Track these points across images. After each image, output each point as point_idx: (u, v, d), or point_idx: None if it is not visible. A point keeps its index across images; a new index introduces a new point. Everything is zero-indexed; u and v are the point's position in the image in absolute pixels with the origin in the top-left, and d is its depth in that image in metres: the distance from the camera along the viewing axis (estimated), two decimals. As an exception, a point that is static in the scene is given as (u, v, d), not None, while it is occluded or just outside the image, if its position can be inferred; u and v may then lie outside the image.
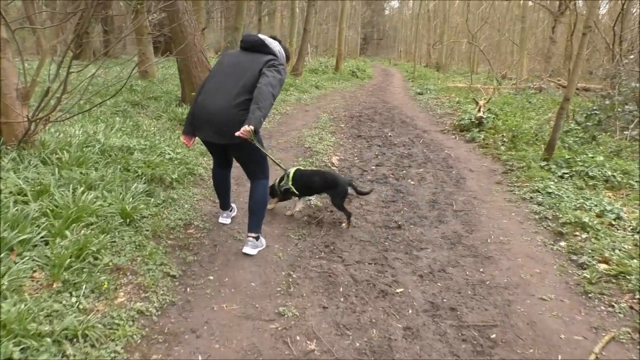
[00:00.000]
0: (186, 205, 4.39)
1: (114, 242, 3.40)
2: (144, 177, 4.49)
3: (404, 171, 6.34)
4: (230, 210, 4.33)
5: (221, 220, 4.24)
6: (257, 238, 3.74)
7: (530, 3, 22.04)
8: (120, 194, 3.96)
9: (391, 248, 4.03)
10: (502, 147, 7.35)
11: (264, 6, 19.70)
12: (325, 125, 9.24)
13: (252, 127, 3.14)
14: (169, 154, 5.39)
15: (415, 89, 17.66)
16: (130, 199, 3.89)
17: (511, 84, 16.36)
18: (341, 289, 3.33)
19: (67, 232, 3.16)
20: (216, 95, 3.43)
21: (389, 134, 8.66)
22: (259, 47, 3.56)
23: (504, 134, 8.00)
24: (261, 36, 3.62)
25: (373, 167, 6.52)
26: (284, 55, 3.70)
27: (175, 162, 5.21)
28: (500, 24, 19.06)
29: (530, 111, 10.06)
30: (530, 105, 10.92)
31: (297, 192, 4.46)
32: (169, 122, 7.65)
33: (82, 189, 3.73)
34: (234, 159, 3.87)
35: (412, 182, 5.88)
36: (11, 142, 4.66)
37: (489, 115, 9.02)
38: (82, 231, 3.25)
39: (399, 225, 4.51)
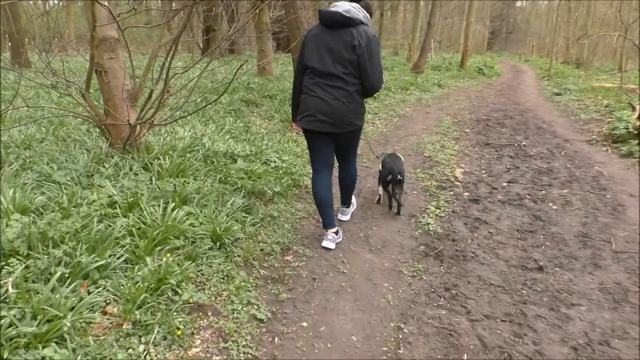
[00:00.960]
0: (286, 225, 3.89)
1: (200, 270, 2.97)
2: (244, 190, 4.06)
3: (543, 191, 5.31)
4: (337, 233, 3.79)
5: (325, 244, 3.69)
6: (349, 206, 4.24)
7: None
8: (215, 210, 3.56)
9: (531, 300, 3.17)
10: (671, 166, 5.95)
11: (387, 1, 18.96)
12: (448, 129, 8.34)
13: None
14: (274, 161, 4.95)
15: (551, 88, 15.82)
16: (225, 218, 3.46)
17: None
18: (465, 357, 2.58)
19: (148, 259, 2.79)
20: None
21: (523, 143, 7.52)
22: (343, 23, 3.31)
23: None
24: (342, 9, 3.29)
25: (504, 184, 5.56)
26: (369, 15, 3.46)
27: (281, 171, 4.76)
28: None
29: None
30: None
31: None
32: (280, 123, 7.29)
33: (173, 204, 3.37)
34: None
35: (554, 207, 4.86)
36: (118, 144, 4.53)
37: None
38: (165, 258, 2.86)
39: (540, 267, 3.60)
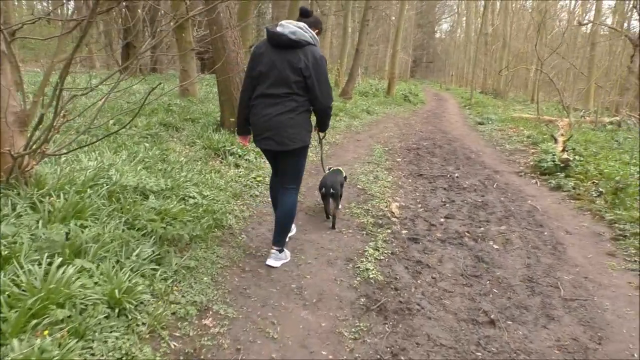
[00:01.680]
0: (205, 278, 3.29)
1: (90, 349, 2.32)
2: (154, 236, 3.42)
3: (481, 228, 5.07)
4: (281, 251, 3.79)
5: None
6: (280, 251, 3.80)
7: (601, 31, 20.37)
8: (116, 264, 2.91)
9: (487, 364, 2.80)
10: (600, 201, 5.96)
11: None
12: (380, 159, 8.08)
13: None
14: (193, 197, 4.34)
15: (474, 117, 16.27)
16: (128, 274, 2.82)
17: (582, 116, 14.74)
18: None
19: (15, 341, 2.10)
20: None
21: (456, 174, 7.39)
22: (290, 45, 3.34)
23: (598, 183, 6.60)
24: (288, 30, 3.31)
25: (442, 220, 5.28)
26: (316, 35, 3.48)
27: (201, 209, 4.15)
28: (568, 50, 17.52)
29: (621, 153, 8.57)
30: (618, 146, 9.41)
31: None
32: (203, 150, 6.66)
33: (60, 259, 2.68)
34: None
35: (495, 246, 4.61)
36: (1, 177, 3.74)
37: (575, 156, 7.63)
38: (41, 337, 2.19)
39: (491, 321, 3.26)
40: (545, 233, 5.01)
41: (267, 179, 5.91)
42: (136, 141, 6.50)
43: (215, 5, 7.47)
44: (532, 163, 8.26)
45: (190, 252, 3.52)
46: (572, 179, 6.82)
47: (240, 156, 6.49)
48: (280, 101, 3.39)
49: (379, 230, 4.77)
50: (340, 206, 5.15)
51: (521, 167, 8.17)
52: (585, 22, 16.61)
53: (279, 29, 3.35)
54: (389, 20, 34.67)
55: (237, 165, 6.22)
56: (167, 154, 5.96)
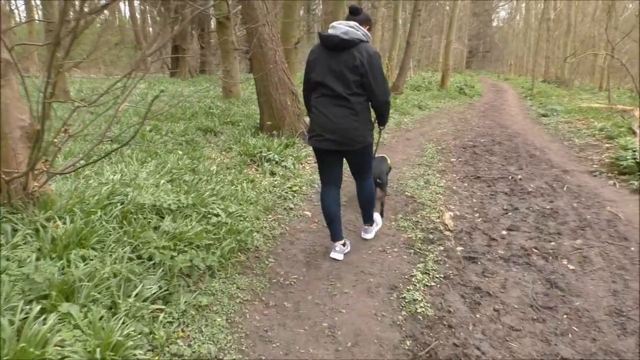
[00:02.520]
0: (219, 319, 2.78)
1: None
2: (163, 267, 2.95)
3: (552, 243, 4.32)
4: (344, 245, 3.93)
5: (333, 255, 3.85)
6: (371, 224, 4.25)
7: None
8: (110, 309, 2.45)
9: None
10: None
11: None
12: (431, 160, 7.37)
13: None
14: (217, 214, 3.87)
15: (536, 109, 15.09)
16: (122, 321, 2.36)
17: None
18: None
19: None
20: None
21: (519, 176, 6.57)
22: (343, 46, 3.38)
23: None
24: (340, 31, 3.36)
25: (504, 233, 4.57)
26: (368, 33, 3.51)
27: (223, 229, 3.67)
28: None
29: None
30: None
31: None
32: (239, 157, 6.22)
33: (38, 307, 2.26)
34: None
35: (570, 267, 3.87)
36: (11, 198, 3.42)
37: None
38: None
39: (574, 375, 2.58)
40: (632, 249, 4.19)
41: (304, 188, 5.40)
42: (169, 148, 6.16)
43: (252, 1, 7.04)
44: (607, 160, 7.29)
45: (205, 285, 3.03)
46: (659, 179, 5.88)
47: (277, 162, 6.00)
48: (342, 102, 3.42)
49: (429, 247, 4.13)
50: (387, 193, 5.13)
51: (595, 166, 7.22)
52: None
53: (330, 31, 3.40)
54: (443, 9, 33.39)
55: (272, 173, 5.73)
56: (198, 163, 5.56)
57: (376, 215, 4.37)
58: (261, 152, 6.16)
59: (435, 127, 10.78)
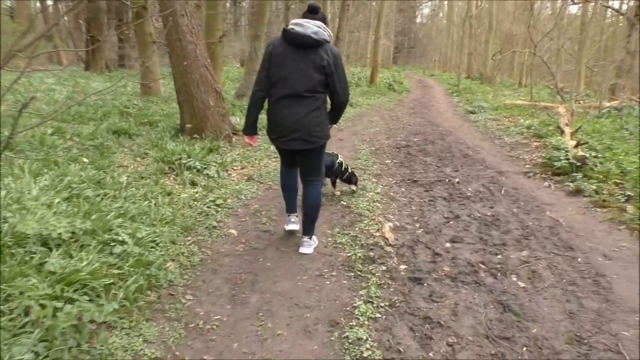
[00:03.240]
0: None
1: None
2: (39, 330, 2.28)
3: (498, 256, 4.05)
4: (311, 237, 3.98)
5: (288, 227, 4.10)
6: (311, 237, 3.96)
7: (591, 8, 19.45)
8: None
9: None
10: (632, 209, 4.99)
11: (292, 11, 17.69)
12: (366, 162, 7.01)
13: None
14: (123, 242, 3.23)
15: (463, 105, 15.28)
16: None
17: (577, 100, 13.82)
18: None
19: None
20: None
21: (455, 178, 6.34)
22: (313, 45, 3.38)
23: (624, 185, 5.63)
24: (311, 31, 3.34)
25: (448, 246, 4.25)
26: (329, 32, 3.51)
27: (130, 261, 3.04)
28: (559, 33, 16.56)
29: (626, 141, 7.62)
30: (630, 135, 8.46)
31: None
32: (155, 164, 5.53)
33: None
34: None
35: (520, 284, 3.58)
36: None
37: (590, 151, 6.65)
38: None
39: None
40: (579, 259, 3.99)
41: (230, 201, 4.84)
42: (73, 156, 5.35)
43: (168, -11, 6.33)
44: (539, 160, 7.27)
45: (100, 344, 2.40)
46: (593, 180, 5.83)
47: (199, 171, 5.38)
48: (306, 101, 3.44)
49: (371, 267, 3.71)
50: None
51: (528, 166, 7.16)
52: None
53: (299, 29, 3.35)
54: (370, 5, 33.51)
55: (193, 184, 5.10)
56: (106, 173, 4.83)
57: (314, 237, 4.10)
58: (181, 158, 5.51)
59: (368, 126, 10.48)
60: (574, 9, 22.62)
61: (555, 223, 4.81)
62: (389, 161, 7.36)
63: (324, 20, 3.51)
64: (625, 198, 5.33)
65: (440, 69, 44.60)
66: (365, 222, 4.63)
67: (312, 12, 3.48)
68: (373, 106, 14.54)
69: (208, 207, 4.52)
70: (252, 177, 5.65)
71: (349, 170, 5.39)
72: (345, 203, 5.15)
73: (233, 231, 4.14)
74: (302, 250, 3.89)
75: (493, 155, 8.02)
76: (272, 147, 7.20)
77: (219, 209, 4.54)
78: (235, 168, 5.99)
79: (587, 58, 19.58)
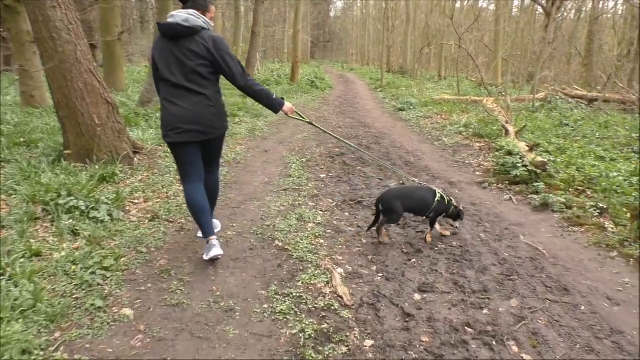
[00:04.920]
0: None
1: None
2: None
3: (484, 310, 3.15)
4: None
5: (213, 252, 3.50)
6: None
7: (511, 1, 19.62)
8: None
9: None
10: (613, 227, 4.32)
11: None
12: (299, 180, 5.95)
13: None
14: None
15: (390, 101, 14.65)
16: None
17: (499, 93, 13.60)
18: None
19: None
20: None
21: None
22: (185, 33, 3.28)
23: (591, 193, 5.00)
24: (180, 19, 3.25)
25: (418, 298, 3.30)
26: (209, 20, 3.43)
27: None
28: (476, 26, 16.42)
29: (587, 143, 7.13)
30: (573, 131, 8.03)
31: None
32: (24, 204, 4.13)
33: None
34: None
35: (525, 357, 2.69)
36: None
37: (542, 153, 6.03)
38: None
39: None
40: (582, 307, 3.18)
41: (124, 260, 3.58)
42: None
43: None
44: (488, 165, 6.57)
45: None
46: (560, 192, 5.14)
47: (83, 213, 4.05)
48: (193, 91, 3.34)
49: (327, 350, 2.66)
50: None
51: (478, 173, 6.44)
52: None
53: (170, 19, 3.28)
54: (284, -1, 32.42)
55: (75, 234, 3.78)
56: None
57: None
58: (59, 196, 4.15)
59: (295, 132, 9.40)
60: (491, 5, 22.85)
61: (536, 253, 4.02)
62: (324, 175, 6.34)
63: (202, 5, 3.40)
64: (599, 212, 4.67)
65: (359, 63, 44.43)
66: (310, 271, 3.57)
67: (183, 2, 3.41)
68: (297, 107, 13.39)
69: (92, 273, 3.22)
70: (157, 215, 4.39)
71: (454, 203, 4.27)
72: (280, 243, 4.06)
73: (128, 312, 2.90)
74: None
75: (437, 161, 7.24)
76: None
77: (109, 275, 3.26)
78: (136, 201, 4.71)
79: (504, 50, 19.74)
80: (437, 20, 24.44)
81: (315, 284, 3.41)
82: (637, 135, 7.54)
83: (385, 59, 24.01)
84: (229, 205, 4.93)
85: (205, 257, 3.52)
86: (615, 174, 5.31)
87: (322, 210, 4.92)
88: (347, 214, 4.93)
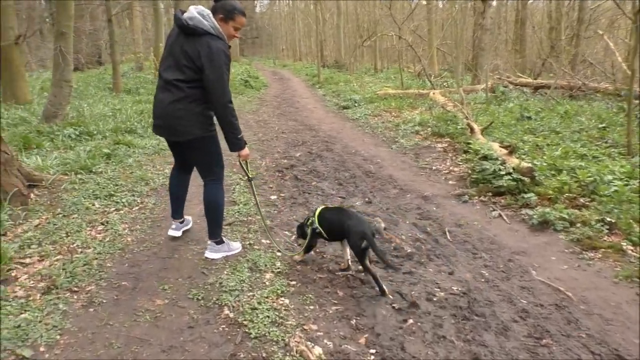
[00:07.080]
0: None
1: None
2: None
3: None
4: (182, 222, 3.96)
5: (170, 232, 3.89)
6: (218, 242, 3.64)
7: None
8: None
9: None
10: (627, 246, 3.60)
11: (113, 4, 14.59)
12: (247, 207, 4.84)
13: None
14: None
15: (332, 99, 13.73)
16: None
17: (443, 85, 13.05)
18: None
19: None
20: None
21: (375, 218, 4.47)
22: (186, 31, 3.17)
23: (593, 205, 4.29)
24: (187, 16, 3.15)
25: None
26: (217, 24, 3.21)
27: None
28: (412, 14, 15.88)
29: (560, 137, 6.51)
30: (534, 123, 7.43)
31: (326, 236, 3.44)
32: None
33: None
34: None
35: None
36: None
37: (522, 156, 5.30)
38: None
39: None
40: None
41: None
42: None
43: None
44: (459, 171, 5.78)
45: None
46: (558, 205, 4.37)
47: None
48: (172, 88, 3.24)
49: None
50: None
51: (452, 182, 5.62)
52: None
53: (185, 14, 3.18)
54: (208, -6, 30.78)
55: None
56: None
57: (229, 243, 3.74)
58: None
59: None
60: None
61: (559, 296, 3.18)
62: (275, 197, 5.29)
63: (220, 10, 3.24)
64: (607, 228, 3.94)
65: (291, 59, 43.35)
66: (278, 356, 2.54)
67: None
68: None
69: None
70: (55, 284, 3.17)
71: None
72: (232, 312, 2.98)
73: None
74: (208, 254, 3.63)
75: (400, 168, 6.36)
76: (97, 204, 4.72)
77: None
78: (27, 262, 3.46)
79: (438, 39, 19.36)
80: (369, 11, 23.78)
81: (287, 376, 2.38)
82: (604, 125, 7.04)
83: (319, 53, 23.07)
84: (158, 254, 3.78)
85: (168, 232, 3.94)
86: (610, 177, 4.62)
87: (278, 253, 3.88)
88: (311, 252, 3.91)
